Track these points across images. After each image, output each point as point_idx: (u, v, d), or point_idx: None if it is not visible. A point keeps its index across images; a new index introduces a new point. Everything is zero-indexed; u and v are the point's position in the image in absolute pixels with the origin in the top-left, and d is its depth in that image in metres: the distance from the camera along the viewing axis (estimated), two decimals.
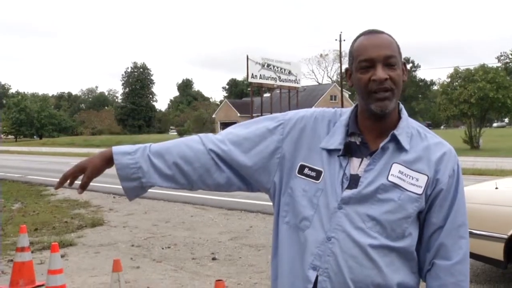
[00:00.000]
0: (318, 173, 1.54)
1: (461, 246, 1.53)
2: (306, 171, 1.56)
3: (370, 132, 1.55)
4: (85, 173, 1.59)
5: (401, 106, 1.59)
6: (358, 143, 1.55)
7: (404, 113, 1.58)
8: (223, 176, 1.64)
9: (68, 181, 1.60)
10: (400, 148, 1.52)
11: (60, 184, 1.60)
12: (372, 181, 1.49)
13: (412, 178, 1.49)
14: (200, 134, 1.69)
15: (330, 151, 1.56)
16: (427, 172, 1.51)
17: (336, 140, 1.56)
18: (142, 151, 1.61)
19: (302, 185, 1.56)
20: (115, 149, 1.62)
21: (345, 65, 1.65)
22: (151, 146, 1.64)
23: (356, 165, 1.53)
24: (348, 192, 1.49)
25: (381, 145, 1.52)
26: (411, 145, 1.53)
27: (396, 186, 1.48)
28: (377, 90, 1.48)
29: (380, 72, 1.48)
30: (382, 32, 1.55)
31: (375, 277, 1.46)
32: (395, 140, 1.52)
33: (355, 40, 1.57)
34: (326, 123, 1.61)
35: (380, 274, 1.46)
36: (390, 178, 1.49)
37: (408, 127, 1.56)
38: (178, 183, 1.63)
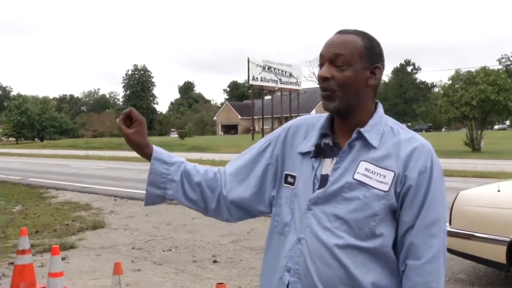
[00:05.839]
0: (295, 179, 1.58)
1: (432, 245, 1.46)
2: (289, 179, 1.60)
3: (341, 132, 1.56)
4: (136, 128, 1.69)
5: (379, 104, 1.58)
6: (331, 144, 1.56)
7: (378, 111, 1.56)
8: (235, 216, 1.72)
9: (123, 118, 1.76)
10: (367, 145, 1.50)
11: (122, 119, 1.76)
12: (337, 179, 1.49)
13: (380, 175, 1.46)
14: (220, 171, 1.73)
15: (303, 155, 1.58)
16: (395, 168, 1.47)
17: (310, 143, 1.58)
18: (178, 166, 1.65)
19: (285, 193, 1.60)
20: (156, 153, 1.65)
21: None
22: (186, 164, 1.68)
23: (328, 166, 1.53)
24: (316, 193, 1.51)
25: (347, 142, 1.52)
26: (382, 141, 1.50)
27: (361, 184, 1.46)
28: (320, 88, 1.53)
29: (323, 70, 1.50)
30: (346, 32, 1.53)
31: (343, 278, 1.44)
32: (361, 137, 1.51)
33: None
34: (304, 129, 1.64)
35: (348, 274, 1.44)
36: (356, 176, 1.47)
37: (380, 125, 1.53)
38: (198, 206, 1.69)
